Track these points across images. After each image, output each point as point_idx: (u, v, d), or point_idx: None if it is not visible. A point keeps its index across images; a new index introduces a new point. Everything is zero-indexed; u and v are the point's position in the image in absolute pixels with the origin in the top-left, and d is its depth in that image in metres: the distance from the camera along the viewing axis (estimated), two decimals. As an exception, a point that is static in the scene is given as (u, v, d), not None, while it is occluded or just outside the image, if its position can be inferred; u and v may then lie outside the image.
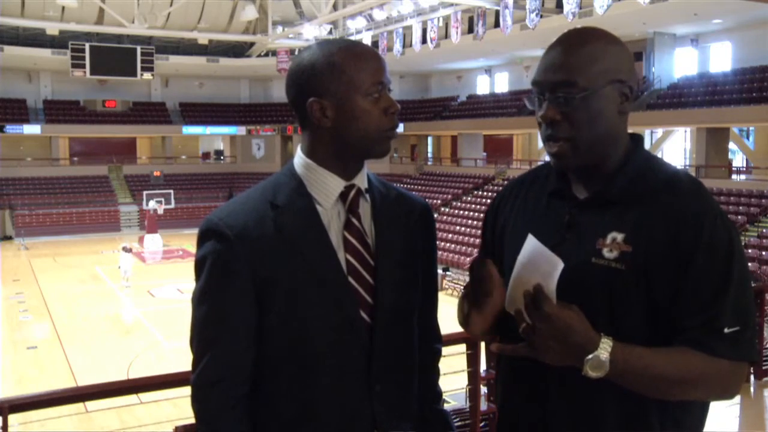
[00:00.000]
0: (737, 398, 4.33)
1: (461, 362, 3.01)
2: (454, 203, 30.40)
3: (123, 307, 19.95)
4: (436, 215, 27.82)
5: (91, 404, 2.80)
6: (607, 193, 1.33)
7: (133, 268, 22.35)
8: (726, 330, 1.22)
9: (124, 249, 22.83)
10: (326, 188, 1.38)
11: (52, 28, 31.77)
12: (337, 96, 1.33)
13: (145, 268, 25.25)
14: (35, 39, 34.16)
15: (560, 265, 1.24)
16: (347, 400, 1.36)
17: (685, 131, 26.81)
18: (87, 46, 34.97)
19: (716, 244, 1.24)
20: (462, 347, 2.98)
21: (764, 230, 18.69)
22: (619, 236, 1.28)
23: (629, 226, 1.28)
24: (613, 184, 1.33)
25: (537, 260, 1.26)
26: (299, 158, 1.41)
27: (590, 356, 1.20)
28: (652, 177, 1.32)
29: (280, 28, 32.52)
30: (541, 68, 1.33)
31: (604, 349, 1.20)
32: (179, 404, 2.24)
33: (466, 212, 28.64)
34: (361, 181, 1.41)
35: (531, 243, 1.29)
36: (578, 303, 1.26)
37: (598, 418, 1.31)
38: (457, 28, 26.67)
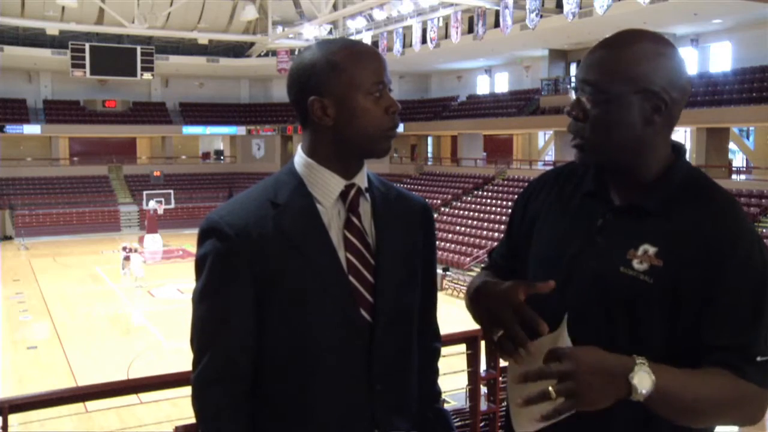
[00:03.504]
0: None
1: (461, 362, 3.00)
2: (454, 203, 30.39)
3: (123, 307, 19.95)
4: (436, 215, 27.83)
5: (91, 404, 2.79)
6: (645, 203, 1.29)
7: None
8: (759, 359, 1.20)
9: (126, 249, 22.85)
10: (327, 187, 1.38)
11: (52, 28, 31.75)
12: (338, 95, 1.33)
13: (145, 268, 25.23)
14: (35, 39, 34.15)
15: (564, 326, 1.26)
16: (347, 399, 1.36)
17: (685, 131, 26.80)
18: (87, 46, 34.96)
19: (752, 270, 1.21)
20: (462, 347, 2.98)
21: (764, 230, 18.69)
22: (651, 249, 1.25)
23: (663, 241, 1.25)
24: (651, 195, 1.29)
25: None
26: (300, 157, 1.41)
27: (632, 372, 1.13)
28: (693, 193, 1.29)
29: (280, 28, 32.51)
30: (582, 64, 1.32)
31: (642, 363, 1.15)
32: (179, 404, 2.24)
33: (466, 212, 28.63)
34: (361, 181, 1.41)
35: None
36: (600, 310, 1.25)
37: None
38: (457, 28, 26.66)
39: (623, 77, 1.25)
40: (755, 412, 1.23)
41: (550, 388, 1.14)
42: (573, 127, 1.32)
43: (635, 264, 1.26)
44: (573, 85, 1.47)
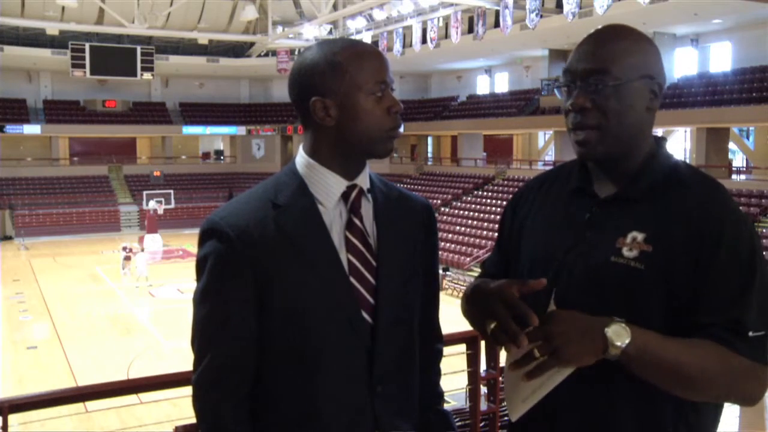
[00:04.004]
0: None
1: (461, 362, 3.00)
2: (454, 203, 30.40)
3: (123, 307, 19.94)
4: (435, 215, 27.73)
5: (91, 404, 2.79)
6: (630, 192, 1.32)
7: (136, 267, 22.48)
8: (750, 333, 1.21)
9: (126, 249, 22.89)
10: (328, 188, 1.37)
11: (52, 28, 31.77)
12: (340, 95, 1.32)
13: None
14: (35, 39, 34.15)
15: (551, 303, 1.28)
16: (349, 400, 1.35)
17: (685, 131, 26.81)
18: (87, 46, 34.97)
19: (739, 247, 1.23)
20: (462, 347, 2.98)
21: (764, 230, 18.69)
22: (640, 236, 1.27)
23: (650, 226, 1.27)
24: (635, 183, 1.33)
25: None
26: (301, 158, 1.40)
27: (608, 327, 1.19)
28: (675, 178, 1.32)
29: (280, 28, 32.52)
30: (575, 57, 1.33)
31: (620, 321, 1.20)
32: (179, 404, 2.24)
33: (466, 212, 28.64)
34: (363, 181, 1.41)
35: None
36: (596, 302, 1.26)
37: (611, 425, 1.29)
38: (457, 28, 26.68)
39: (630, 64, 1.29)
40: (752, 390, 1.24)
41: (535, 350, 1.21)
42: (577, 120, 1.32)
43: (625, 252, 1.27)
44: (563, 81, 1.45)
